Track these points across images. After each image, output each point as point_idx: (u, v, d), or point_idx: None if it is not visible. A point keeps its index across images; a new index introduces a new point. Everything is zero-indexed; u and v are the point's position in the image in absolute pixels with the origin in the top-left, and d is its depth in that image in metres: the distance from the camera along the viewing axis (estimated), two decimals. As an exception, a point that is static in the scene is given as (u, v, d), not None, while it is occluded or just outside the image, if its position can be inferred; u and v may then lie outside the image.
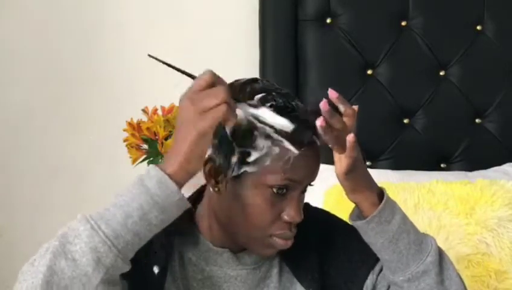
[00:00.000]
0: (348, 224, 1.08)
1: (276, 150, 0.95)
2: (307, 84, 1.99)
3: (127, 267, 0.89)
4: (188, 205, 0.91)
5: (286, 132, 0.95)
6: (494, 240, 1.63)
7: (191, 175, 0.90)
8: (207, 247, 1.05)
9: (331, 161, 1.00)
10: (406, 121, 2.03)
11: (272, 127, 0.94)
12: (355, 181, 1.00)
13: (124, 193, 0.89)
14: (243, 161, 0.96)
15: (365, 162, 1.05)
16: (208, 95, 0.87)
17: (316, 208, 1.16)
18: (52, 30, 2.05)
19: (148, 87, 2.05)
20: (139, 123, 1.70)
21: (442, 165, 2.05)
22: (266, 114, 0.94)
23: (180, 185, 0.89)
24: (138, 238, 0.88)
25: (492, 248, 1.62)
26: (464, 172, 1.95)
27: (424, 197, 1.71)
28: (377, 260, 1.08)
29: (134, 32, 2.07)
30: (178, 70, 0.95)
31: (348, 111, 0.95)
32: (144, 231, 0.88)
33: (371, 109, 1.99)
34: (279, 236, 1.00)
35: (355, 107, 0.99)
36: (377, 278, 1.08)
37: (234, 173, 0.97)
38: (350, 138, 0.94)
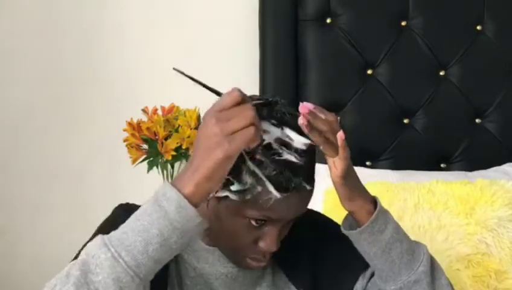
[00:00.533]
0: (339, 226, 1.08)
1: (259, 189, 0.93)
2: (307, 84, 1.99)
3: None
4: (206, 225, 0.89)
5: (272, 175, 0.92)
6: (494, 240, 1.63)
7: (208, 194, 0.88)
8: (198, 245, 1.06)
9: (330, 161, 0.99)
10: (406, 121, 2.03)
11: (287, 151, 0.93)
12: (352, 187, 0.98)
13: (142, 215, 0.87)
14: (226, 186, 0.95)
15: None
16: (235, 116, 0.85)
17: (310, 210, 1.15)
18: (52, 30, 2.05)
19: (148, 87, 2.05)
20: (139, 123, 1.70)
21: (442, 165, 2.05)
22: (291, 134, 0.93)
23: (197, 206, 0.87)
24: (159, 263, 0.88)
25: (492, 248, 1.62)
26: (464, 172, 1.95)
27: (424, 197, 1.71)
28: (368, 264, 1.07)
29: (135, 32, 2.07)
30: (203, 85, 0.92)
31: (330, 118, 0.93)
32: (164, 256, 0.87)
33: (371, 109, 1.99)
34: (252, 259, 1.01)
35: (341, 134, 0.97)
36: (367, 283, 1.08)
37: (217, 194, 0.96)
38: (340, 134, 0.92)
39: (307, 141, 0.92)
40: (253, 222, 0.96)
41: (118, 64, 2.06)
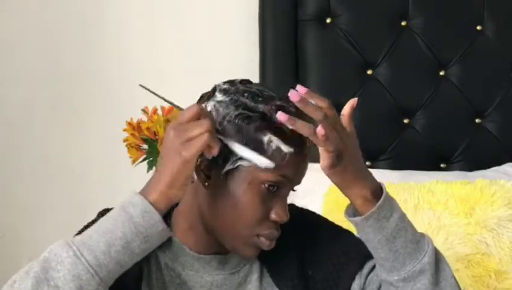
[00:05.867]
0: (333, 225, 1.07)
1: (274, 146, 0.96)
2: (307, 84, 1.96)
3: None
4: (170, 234, 0.94)
5: (283, 131, 0.96)
6: (494, 240, 1.63)
7: (171, 202, 0.93)
8: (183, 251, 1.05)
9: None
10: (406, 121, 2.03)
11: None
12: (342, 176, 0.97)
13: (107, 220, 0.91)
14: (237, 156, 0.96)
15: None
16: (191, 126, 0.91)
17: (301, 209, 1.15)
18: (52, 30, 2.05)
19: (148, 87, 2.05)
20: (139, 123, 1.70)
21: (442, 165, 2.05)
22: (246, 153, 0.96)
23: (161, 213, 0.91)
24: (120, 266, 0.90)
25: (492, 247, 1.62)
26: (463, 172, 1.95)
27: (424, 197, 1.71)
28: (364, 262, 1.06)
29: (135, 32, 2.07)
30: (168, 102, 1.00)
31: (322, 104, 0.94)
32: (126, 260, 0.90)
33: (371, 109, 1.99)
34: (266, 236, 1.00)
35: (354, 100, 0.97)
36: (365, 281, 1.07)
37: (230, 166, 0.97)
38: (318, 130, 0.91)
39: (270, 164, 0.95)
40: (267, 188, 0.97)
41: (118, 64, 2.06)
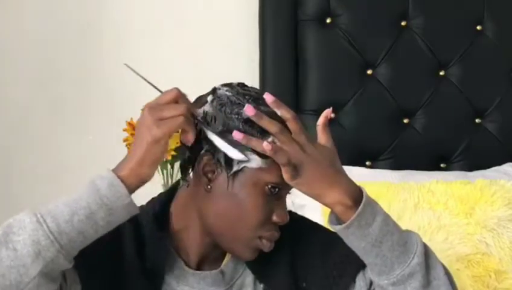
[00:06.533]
0: (327, 232, 1.07)
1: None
2: (307, 84, 1.99)
3: (68, 265, 0.90)
4: (137, 210, 0.93)
5: None
6: (494, 240, 1.63)
7: (142, 180, 0.93)
8: (179, 265, 1.05)
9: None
10: (406, 121, 2.03)
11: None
12: (309, 186, 0.95)
13: (76, 192, 0.92)
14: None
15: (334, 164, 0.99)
16: (167, 107, 0.92)
17: (292, 217, 1.12)
18: (51, 30, 2.05)
19: (148, 87, 2.05)
20: (139, 123, 1.70)
21: (442, 165, 2.05)
22: (220, 143, 0.96)
23: (130, 189, 0.91)
24: (83, 236, 0.90)
25: (492, 247, 1.62)
26: (463, 172, 1.95)
27: (424, 197, 1.71)
28: (358, 270, 1.05)
29: (135, 32, 2.07)
30: (149, 83, 1.01)
31: (286, 116, 0.94)
32: (90, 231, 0.90)
33: (371, 109, 1.99)
34: (267, 238, 1.00)
35: (328, 111, 0.98)
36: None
37: (236, 168, 0.97)
38: (264, 145, 0.92)
39: (242, 157, 0.96)
40: (270, 189, 0.97)
41: (117, 64, 2.06)
